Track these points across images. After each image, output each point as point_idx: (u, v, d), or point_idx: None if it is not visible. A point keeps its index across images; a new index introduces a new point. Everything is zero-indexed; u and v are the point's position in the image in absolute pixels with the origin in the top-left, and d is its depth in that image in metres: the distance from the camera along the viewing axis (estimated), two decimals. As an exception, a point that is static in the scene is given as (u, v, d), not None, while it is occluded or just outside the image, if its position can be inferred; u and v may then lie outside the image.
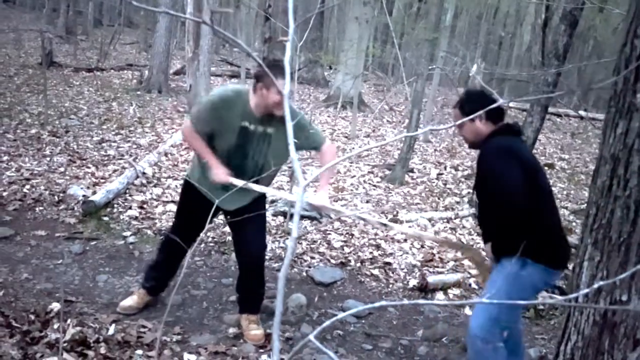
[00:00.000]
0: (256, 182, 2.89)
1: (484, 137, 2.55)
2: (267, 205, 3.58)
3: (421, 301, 0.91)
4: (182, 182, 3.52)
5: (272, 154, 2.94)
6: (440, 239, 3.07)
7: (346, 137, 9.33)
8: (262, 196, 3.11)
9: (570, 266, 4.28)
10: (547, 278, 2.45)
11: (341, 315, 0.94)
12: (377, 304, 0.79)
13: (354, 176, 6.94)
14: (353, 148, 8.51)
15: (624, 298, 1.58)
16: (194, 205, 3.05)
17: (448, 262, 4.59)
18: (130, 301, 3.29)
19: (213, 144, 2.93)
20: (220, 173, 2.88)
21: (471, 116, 2.41)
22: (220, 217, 3.76)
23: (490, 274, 2.58)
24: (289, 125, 0.92)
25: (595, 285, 1.15)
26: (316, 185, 3.05)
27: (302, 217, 5.11)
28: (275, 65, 2.78)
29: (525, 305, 2.88)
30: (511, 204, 2.27)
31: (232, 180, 2.87)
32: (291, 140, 0.91)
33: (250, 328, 3.15)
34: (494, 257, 2.52)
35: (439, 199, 6.50)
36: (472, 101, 2.60)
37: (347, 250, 4.62)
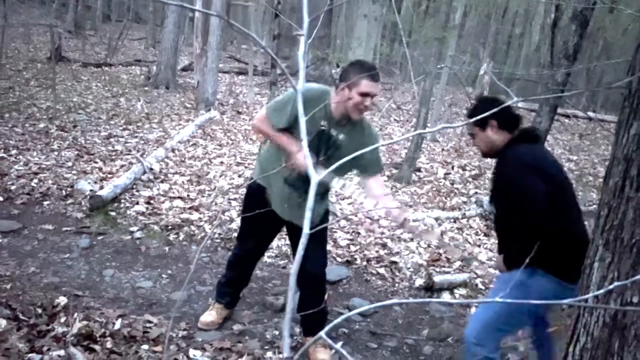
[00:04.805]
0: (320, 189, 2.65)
1: (500, 147, 2.42)
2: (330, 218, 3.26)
3: (432, 300, 0.90)
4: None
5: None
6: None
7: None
8: (327, 211, 2.95)
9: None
10: (558, 291, 2.29)
11: (351, 312, 0.93)
12: (388, 302, 0.78)
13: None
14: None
15: (635, 299, 1.57)
16: (259, 213, 2.70)
17: (454, 262, 4.57)
18: (210, 317, 3.16)
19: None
20: (302, 159, 2.55)
21: (475, 119, 2.32)
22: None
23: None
24: (302, 121, 0.91)
25: (610, 287, 1.14)
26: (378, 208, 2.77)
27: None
28: (363, 65, 2.57)
29: (531, 311, 2.81)
30: (534, 218, 2.18)
31: (311, 170, 2.65)
32: (304, 135, 0.91)
33: (317, 351, 2.97)
34: (505, 268, 2.41)
35: (446, 198, 6.48)
36: (482, 109, 2.40)
37: (353, 248, 4.61)
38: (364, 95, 2.53)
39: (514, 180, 2.27)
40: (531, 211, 2.19)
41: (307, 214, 0.87)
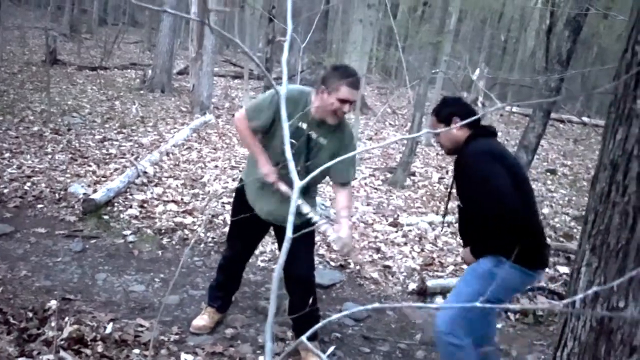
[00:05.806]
0: (304, 193, 2.63)
1: (461, 143, 2.55)
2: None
3: (415, 304, 0.91)
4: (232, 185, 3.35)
5: (318, 166, 2.67)
6: None
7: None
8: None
9: (566, 269, 4.28)
10: (525, 279, 2.45)
11: (334, 316, 0.94)
12: (369, 306, 0.79)
13: (355, 179, 6.93)
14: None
15: (621, 304, 1.57)
16: (246, 213, 2.80)
17: (448, 266, 4.58)
18: (202, 321, 3.15)
19: (265, 142, 2.74)
20: (269, 173, 2.66)
21: (449, 127, 2.41)
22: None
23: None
24: (285, 126, 0.92)
25: (591, 290, 1.15)
26: (334, 221, 2.79)
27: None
28: (345, 71, 2.59)
29: (507, 306, 2.84)
30: (501, 207, 2.27)
31: (280, 185, 2.65)
32: (287, 140, 0.91)
33: (309, 356, 2.96)
34: (473, 259, 2.54)
35: (440, 203, 6.49)
36: (447, 108, 2.61)
37: (346, 252, 4.61)
38: (343, 101, 2.56)
39: (477, 169, 2.38)
40: (497, 197, 2.28)
41: (290, 218, 0.87)
